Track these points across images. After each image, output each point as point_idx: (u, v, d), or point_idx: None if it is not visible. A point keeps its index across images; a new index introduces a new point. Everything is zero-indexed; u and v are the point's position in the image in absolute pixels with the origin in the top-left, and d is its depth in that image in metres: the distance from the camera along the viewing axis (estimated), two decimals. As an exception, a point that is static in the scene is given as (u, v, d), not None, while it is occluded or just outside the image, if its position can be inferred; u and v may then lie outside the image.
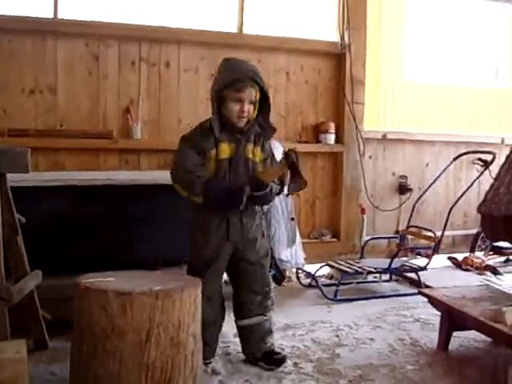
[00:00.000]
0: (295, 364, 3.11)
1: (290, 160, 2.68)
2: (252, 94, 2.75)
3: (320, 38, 5.25)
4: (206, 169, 2.78)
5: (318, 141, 5.20)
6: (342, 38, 5.22)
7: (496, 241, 5.04)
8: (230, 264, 2.96)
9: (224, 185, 2.78)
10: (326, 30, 5.30)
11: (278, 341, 3.41)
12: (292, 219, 4.53)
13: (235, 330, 3.17)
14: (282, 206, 4.48)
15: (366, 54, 5.30)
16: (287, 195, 3.32)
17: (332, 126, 5.18)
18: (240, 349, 3.16)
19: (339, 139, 5.24)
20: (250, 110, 2.77)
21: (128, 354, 2.26)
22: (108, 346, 2.26)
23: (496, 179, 3.31)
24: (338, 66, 5.29)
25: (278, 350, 3.15)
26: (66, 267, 3.39)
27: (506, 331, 2.79)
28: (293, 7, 5.15)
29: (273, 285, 3.07)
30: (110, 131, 4.48)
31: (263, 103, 2.85)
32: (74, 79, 4.42)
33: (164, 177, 3.10)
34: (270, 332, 3.13)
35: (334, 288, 4.40)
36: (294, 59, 5.17)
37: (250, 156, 2.85)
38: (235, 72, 2.73)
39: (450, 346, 3.33)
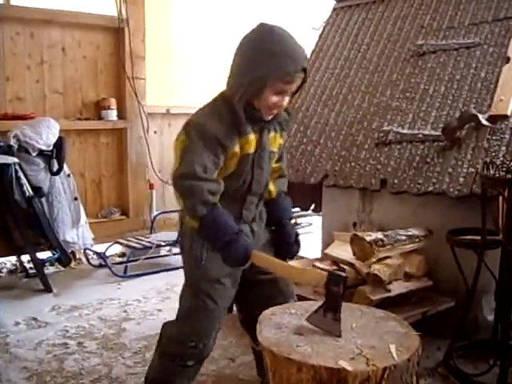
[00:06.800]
0: (79, 343, 3.05)
1: (335, 284, 1.81)
2: (297, 84, 2.06)
3: (97, 12, 5.09)
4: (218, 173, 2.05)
5: (99, 118, 5.08)
6: (120, 12, 5.13)
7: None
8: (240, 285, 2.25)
9: (233, 228, 2.00)
10: (103, 3, 5.16)
11: (63, 323, 3.33)
12: (75, 199, 4.39)
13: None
14: (63, 186, 4.31)
15: (146, 28, 5.27)
16: None
17: (113, 102, 5.10)
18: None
19: (122, 115, 5.19)
20: (287, 102, 2.10)
21: None
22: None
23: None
24: (118, 41, 5.19)
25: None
26: None
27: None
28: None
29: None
30: None
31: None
32: None
33: None
34: None
35: (124, 265, 4.37)
36: (69, 33, 4.96)
37: (272, 148, 2.20)
38: (290, 58, 1.95)
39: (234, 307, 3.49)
